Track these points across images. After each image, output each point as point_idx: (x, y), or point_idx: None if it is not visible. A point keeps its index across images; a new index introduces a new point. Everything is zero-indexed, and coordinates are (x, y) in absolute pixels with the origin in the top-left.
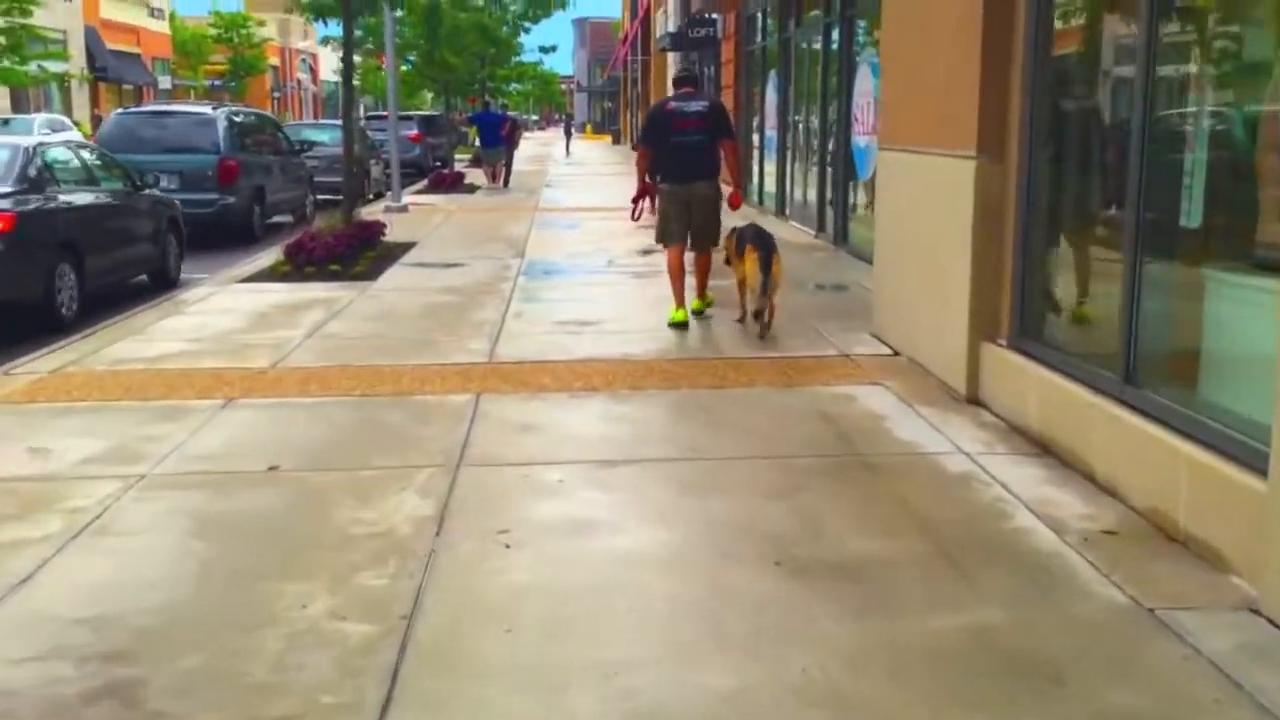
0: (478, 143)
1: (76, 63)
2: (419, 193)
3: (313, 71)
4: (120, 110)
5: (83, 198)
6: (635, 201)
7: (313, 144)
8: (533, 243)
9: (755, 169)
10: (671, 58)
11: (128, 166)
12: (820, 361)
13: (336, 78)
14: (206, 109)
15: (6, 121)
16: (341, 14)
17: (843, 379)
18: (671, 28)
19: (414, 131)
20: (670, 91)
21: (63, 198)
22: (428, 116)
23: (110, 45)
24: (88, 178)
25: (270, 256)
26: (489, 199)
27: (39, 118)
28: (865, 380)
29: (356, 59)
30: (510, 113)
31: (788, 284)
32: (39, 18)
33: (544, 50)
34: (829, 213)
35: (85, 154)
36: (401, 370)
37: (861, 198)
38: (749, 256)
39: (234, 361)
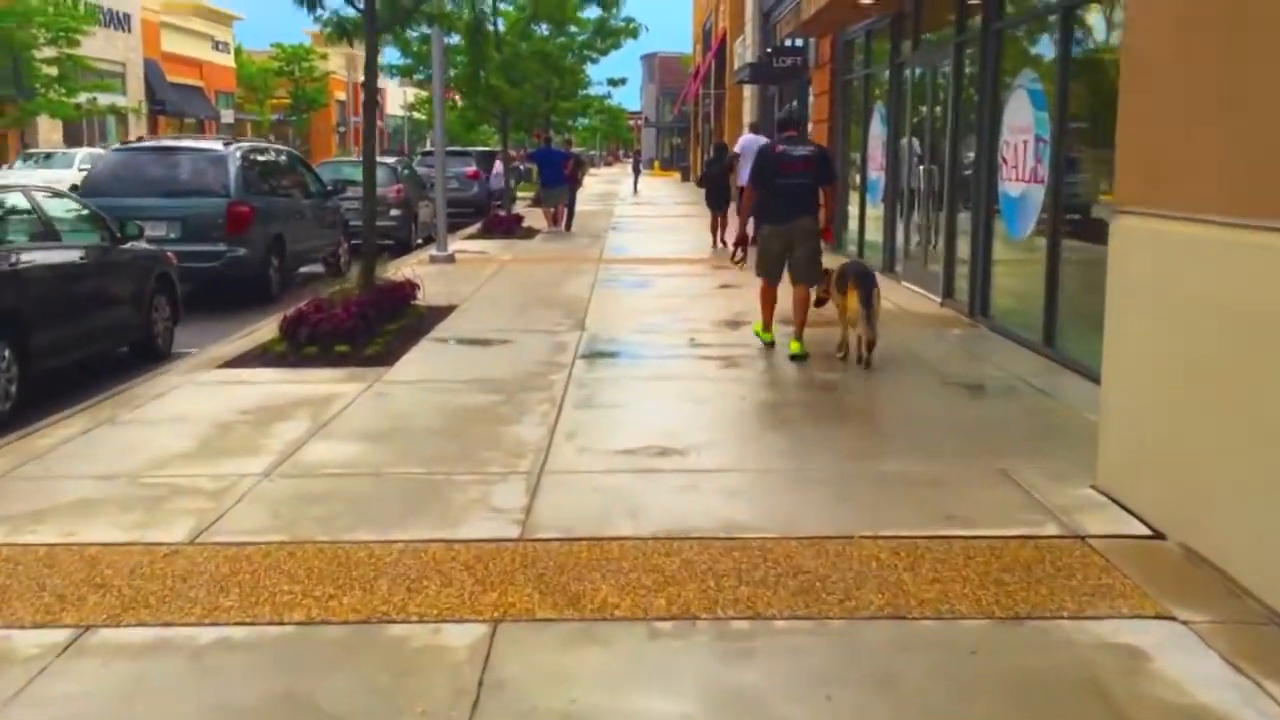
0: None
1: (135, 95)
2: (472, 237)
3: (380, 106)
4: (117, 146)
5: (34, 257)
6: (738, 245)
7: (350, 184)
8: (595, 308)
9: (854, 215)
10: (749, 90)
11: (106, 215)
12: (1040, 549)
13: (404, 113)
14: (217, 144)
15: (49, 156)
16: (365, 30)
17: (1097, 600)
18: (751, 58)
19: (471, 168)
20: (745, 125)
21: (5, 259)
22: (487, 153)
23: (171, 78)
24: (45, 231)
25: (274, 326)
26: (548, 245)
27: (80, 152)
28: (1140, 607)
29: (420, 92)
30: (573, 149)
31: (926, 378)
32: (96, 49)
33: (613, 83)
34: (961, 276)
35: (51, 202)
36: (383, 557)
37: (1005, 256)
38: (851, 292)
39: (140, 528)
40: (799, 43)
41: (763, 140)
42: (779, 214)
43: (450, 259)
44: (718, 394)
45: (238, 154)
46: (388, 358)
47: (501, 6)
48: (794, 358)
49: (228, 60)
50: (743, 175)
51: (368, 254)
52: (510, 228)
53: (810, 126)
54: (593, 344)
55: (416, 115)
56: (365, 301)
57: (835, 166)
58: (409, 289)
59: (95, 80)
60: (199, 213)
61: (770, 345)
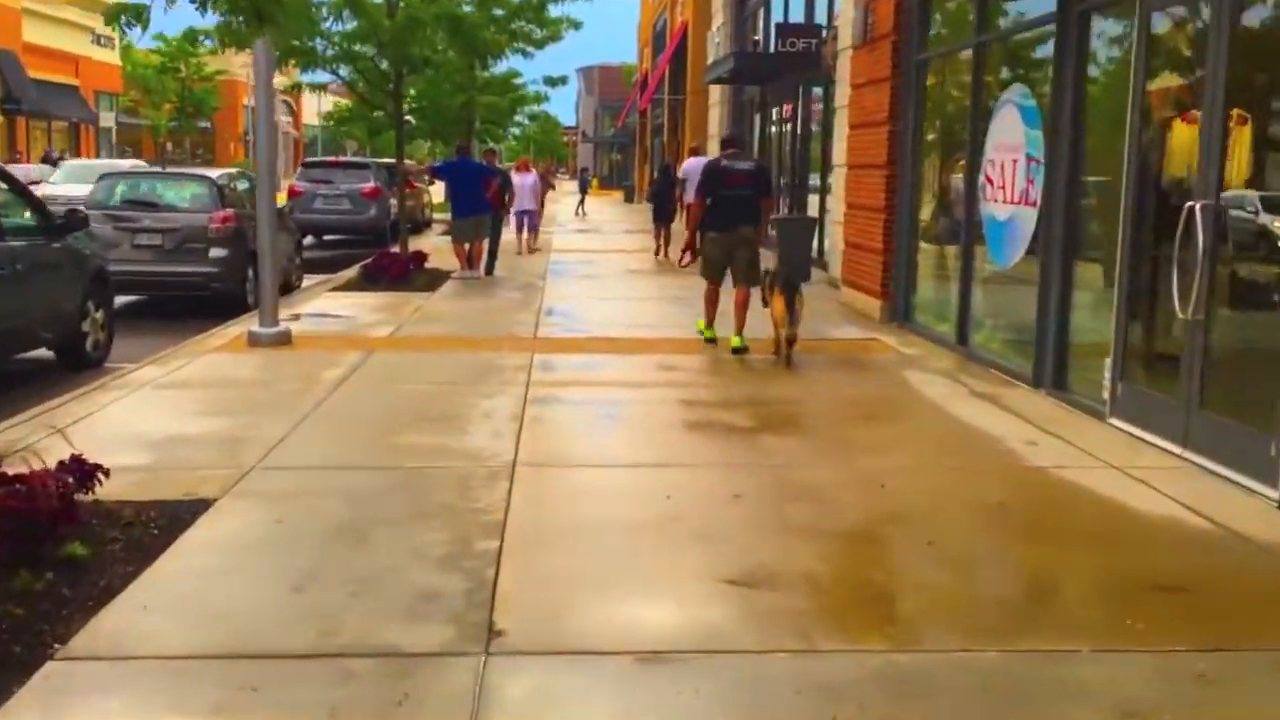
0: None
1: None
2: (345, 287)
3: (294, 114)
4: None
5: None
6: (685, 252)
7: (139, 205)
8: (519, 535)
9: (945, 275)
10: (717, 95)
11: None
12: None
13: (320, 121)
14: None
15: None
16: None
17: None
18: (728, 49)
19: (369, 184)
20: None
21: None
22: (392, 165)
23: (36, 74)
24: None
25: None
26: (455, 307)
27: None
28: None
29: (340, 100)
30: (496, 163)
31: None
32: None
33: (551, 82)
34: None
35: None
36: None
37: None
38: (777, 296)
39: None
40: (818, 23)
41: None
42: (722, 222)
43: (282, 339)
44: None
45: None
46: None
47: None
48: (735, 350)
49: (111, 57)
50: (689, 196)
51: None
52: (403, 274)
53: (845, 135)
54: None
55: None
56: None
57: (772, 181)
58: (56, 499)
59: None
60: None
61: (712, 342)
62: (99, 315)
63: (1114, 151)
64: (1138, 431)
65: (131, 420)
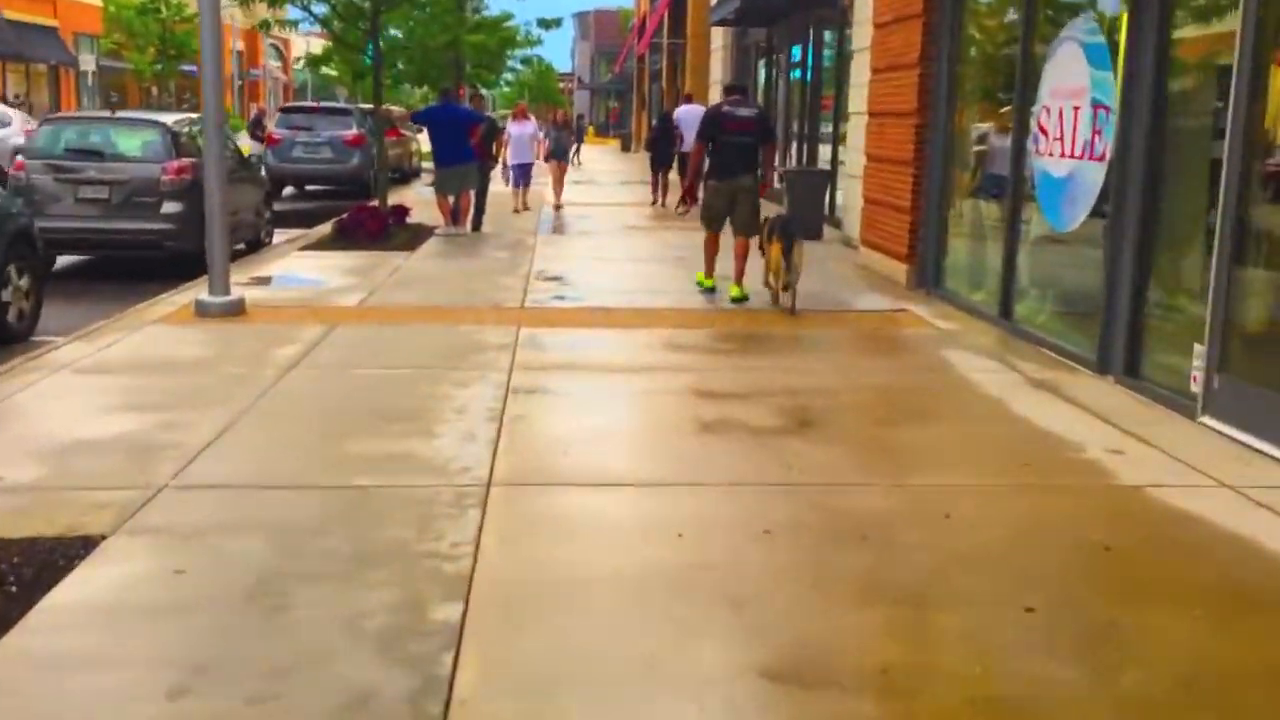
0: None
1: None
2: (317, 245)
3: (284, 59)
4: None
5: None
6: (684, 199)
7: (84, 154)
8: (492, 565)
9: (971, 233)
10: (720, 39)
11: None
12: None
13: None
14: None
15: None
16: None
17: None
18: None
19: (352, 131)
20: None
21: None
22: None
23: (10, 14)
24: None
25: None
26: (436, 269)
27: None
28: None
29: (325, 42)
30: (484, 109)
31: None
32: None
33: (545, 24)
34: None
35: None
36: None
37: None
38: (774, 245)
39: None
40: None
41: (700, 108)
42: (723, 170)
43: (234, 309)
44: None
45: None
46: None
47: None
48: (735, 300)
49: None
50: (686, 142)
51: None
52: (381, 230)
53: (865, 80)
54: None
55: (327, 71)
56: None
57: (774, 127)
58: None
59: None
60: None
61: (711, 291)
62: (23, 282)
63: (1211, 95)
64: (1241, 435)
65: (31, 417)
